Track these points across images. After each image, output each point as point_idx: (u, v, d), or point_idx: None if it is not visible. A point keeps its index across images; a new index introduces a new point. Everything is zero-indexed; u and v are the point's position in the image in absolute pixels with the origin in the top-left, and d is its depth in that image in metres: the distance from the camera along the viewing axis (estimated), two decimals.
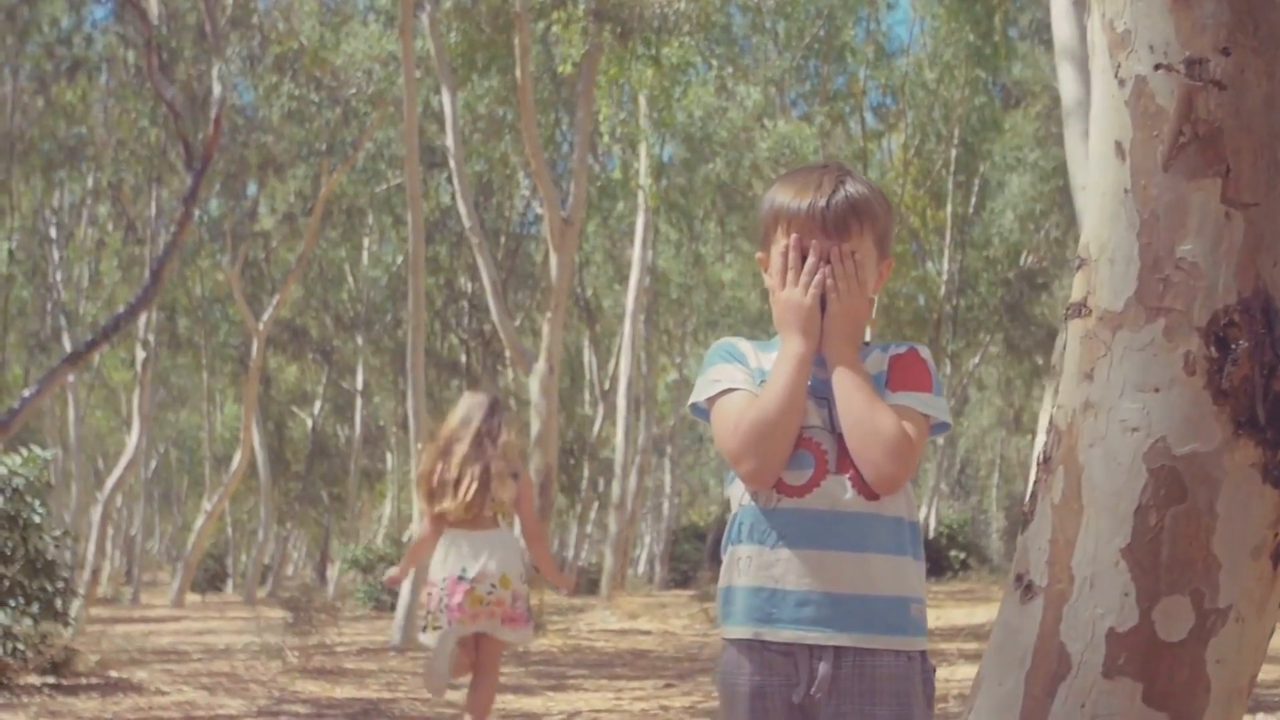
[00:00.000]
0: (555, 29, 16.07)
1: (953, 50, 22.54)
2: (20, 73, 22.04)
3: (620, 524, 22.66)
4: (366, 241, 27.60)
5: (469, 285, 25.21)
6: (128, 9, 19.53)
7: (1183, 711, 1.74)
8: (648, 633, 15.29)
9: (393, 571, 5.91)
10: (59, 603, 8.91)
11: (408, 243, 17.76)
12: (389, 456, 31.55)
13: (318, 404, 32.37)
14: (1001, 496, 40.23)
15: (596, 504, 29.43)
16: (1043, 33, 25.16)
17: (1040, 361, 29.46)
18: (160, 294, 17.50)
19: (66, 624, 9.11)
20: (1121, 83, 1.78)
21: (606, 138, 21.30)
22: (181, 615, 21.44)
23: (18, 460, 8.84)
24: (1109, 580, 1.75)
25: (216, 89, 16.67)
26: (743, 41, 24.39)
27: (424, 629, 5.51)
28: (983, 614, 15.32)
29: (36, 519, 8.77)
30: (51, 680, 8.87)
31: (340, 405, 32.87)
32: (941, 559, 25.68)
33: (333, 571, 30.50)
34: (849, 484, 2.14)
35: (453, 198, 19.54)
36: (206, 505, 26.30)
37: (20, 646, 8.52)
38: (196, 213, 17.17)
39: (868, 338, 2.45)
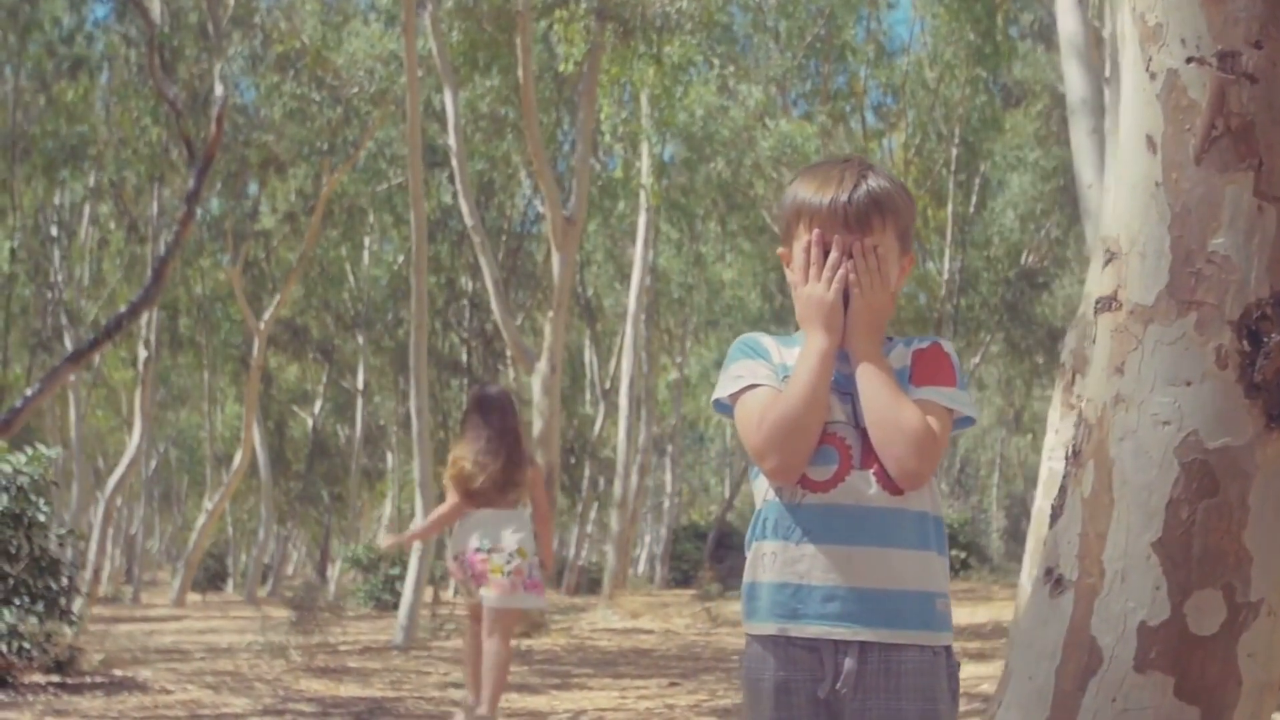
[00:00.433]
0: (557, 28, 16.06)
1: (953, 49, 22.52)
2: (22, 71, 22.04)
3: (622, 523, 22.67)
4: (367, 241, 27.58)
5: (470, 284, 25.20)
6: (130, 8, 19.55)
7: (1214, 705, 1.74)
8: (650, 632, 15.29)
9: (397, 536, 6.75)
10: (63, 601, 8.90)
11: (409, 242, 17.77)
12: (389, 456, 31.52)
13: (318, 403, 32.36)
14: (1001, 496, 40.26)
15: (596, 504, 29.42)
16: (1044, 32, 25.17)
17: (1040, 361, 29.47)
18: (162, 293, 17.48)
19: (71, 623, 9.09)
20: (1153, 76, 1.78)
21: (608, 137, 21.29)
22: (183, 614, 21.43)
23: (23, 459, 8.82)
24: (1140, 574, 1.75)
25: (218, 88, 16.69)
26: (744, 41, 24.40)
27: (455, 594, 6.24)
28: (984, 614, 15.32)
29: (41, 518, 8.76)
30: (56, 679, 8.85)
31: (341, 404, 32.86)
32: None
33: (333, 571, 30.50)
34: (873, 479, 2.14)
35: (454, 197, 19.53)
36: (207, 504, 26.30)
37: (26, 645, 8.50)
38: (198, 211, 17.15)
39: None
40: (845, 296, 2.19)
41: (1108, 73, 8.53)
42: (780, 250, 2.32)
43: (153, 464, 34.31)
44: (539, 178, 16.31)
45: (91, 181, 24.21)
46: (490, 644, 6.20)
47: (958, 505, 38.00)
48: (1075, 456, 1.85)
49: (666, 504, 33.66)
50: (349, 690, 8.96)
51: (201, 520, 25.87)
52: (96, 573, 22.13)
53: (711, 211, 24.92)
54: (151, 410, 24.60)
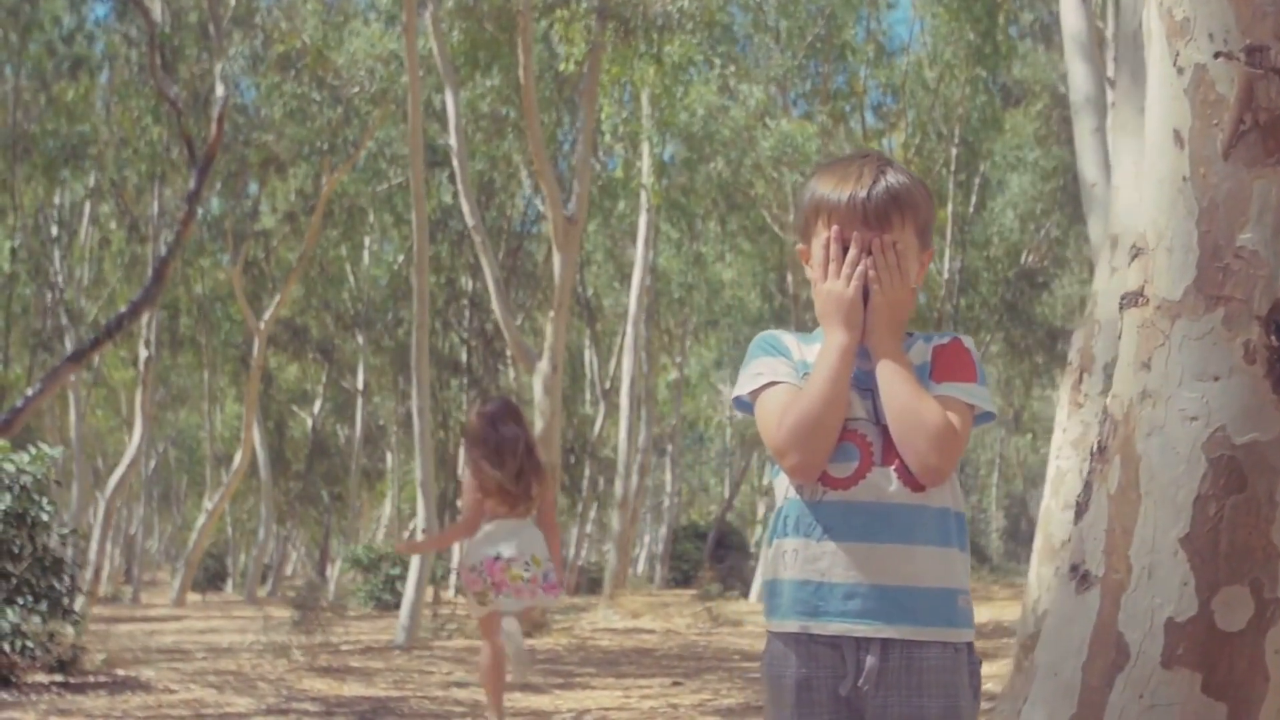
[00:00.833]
0: (558, 27, 16.05)
1: (953, 49, 22.50)
2: (22, 71, 22.02)
3: (623, 523, 22.65)
4: (368, 241, 27.57)
5: (471, 284, 25.19)
6: (130, 7, 19.54)
7: (1241, 701, 1.74)
8: (651, 631, 15.29)
9: (412, 544, 6.78)
10: (66, 601, 8.89)
11: (410, 242, 17.75)
12: (389, 456, 31.51)
13: (318, 403, 32.34)
14: (1001, 496, 40.25)
15: (596, 504, 29.41)
16: (1044, 32, 25.16)
17: (1040, 361, 29.47)
18: (163, 293, 17.47)
19: (74, 622, 9.08)
20: (1180, 71, 1.77)
21: (608, 136, 21.28)
22: (183, 614, 21.41)
23: (25, 458, 8.81)
24: (1168, 570, 1.74)
25: (219, 88, 16.69)
26: (744, 40, 24.38)
27: (479, 603, 6.28)
28: (984, 613, 15.31)
29: (45, 517, 8.75)
30: (59, 678, 8.85)
31: (341, 405, 32.84)
32: None
33: (333, 571, 30.48)
34: (894, 476, 2.13)
35: (455, 196, 19.51)
36: (207, 504, 26.28)
37: (29, 644, 8.49)
38: (198, 211, 17.14)
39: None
40: (865, 293, 2.18)
41: (1110, 72, 8.52)
42: (799, 247, 2.31)
43: (152, 464, 34.28)
44: (540, 177, 16.29)
45: (92, 181, 24.19)
46: (506, 623, 6.39)
47: None
48: (1101, 452, 1.84)
49: (666, 504, 33.65)
50: (352, 690, 8.96)
51: (201, 520, 25.85)
52: (96, 572, 22.13)
53: (711, 211, 24.91)
54: (151, 410, 24.58)
